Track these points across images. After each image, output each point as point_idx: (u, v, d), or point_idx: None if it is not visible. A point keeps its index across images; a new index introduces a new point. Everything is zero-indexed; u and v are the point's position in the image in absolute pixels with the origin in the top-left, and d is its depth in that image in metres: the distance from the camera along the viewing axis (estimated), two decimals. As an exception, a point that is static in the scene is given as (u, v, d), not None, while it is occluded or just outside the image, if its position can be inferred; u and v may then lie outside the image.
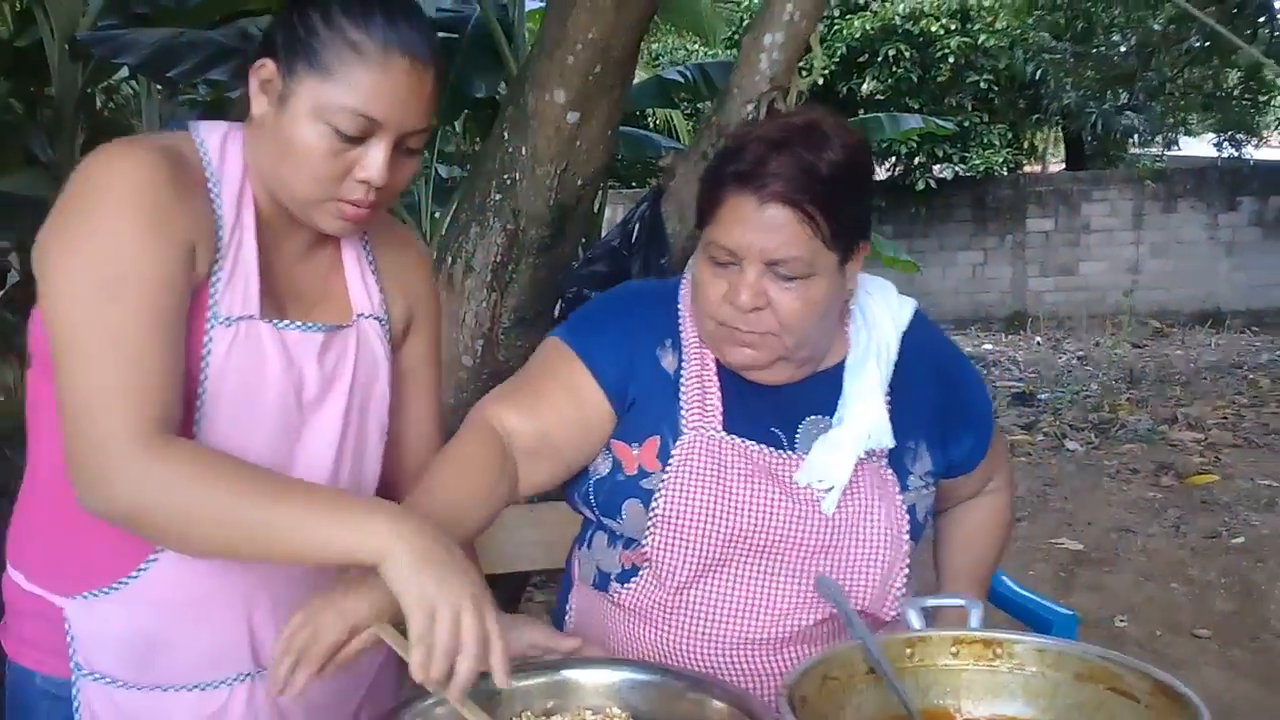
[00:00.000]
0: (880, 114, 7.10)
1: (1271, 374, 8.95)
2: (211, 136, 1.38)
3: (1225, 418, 7.38)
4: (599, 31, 2.68)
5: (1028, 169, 13.61)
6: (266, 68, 1.33)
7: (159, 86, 5.08)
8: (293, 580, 1.43)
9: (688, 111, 10.44)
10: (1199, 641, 4.13)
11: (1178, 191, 11.89)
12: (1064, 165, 14.41)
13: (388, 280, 1.54)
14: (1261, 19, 9.15)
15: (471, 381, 3.00)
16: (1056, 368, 9.58)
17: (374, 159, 1.31)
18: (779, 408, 1.60)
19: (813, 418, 1.60)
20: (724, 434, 1.57)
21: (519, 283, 2.93)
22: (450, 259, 2.98)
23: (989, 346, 10.77)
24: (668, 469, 1.55)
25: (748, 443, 1.57)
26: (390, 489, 1.57)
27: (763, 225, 1.46)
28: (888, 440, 1.58)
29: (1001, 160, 11.76)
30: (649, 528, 1.55)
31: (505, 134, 2.86)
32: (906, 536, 1.60)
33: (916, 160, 11.62)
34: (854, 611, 1.42)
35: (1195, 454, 6.55)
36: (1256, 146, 11.80)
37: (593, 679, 1.42)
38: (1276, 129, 12.67)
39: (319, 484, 1.37)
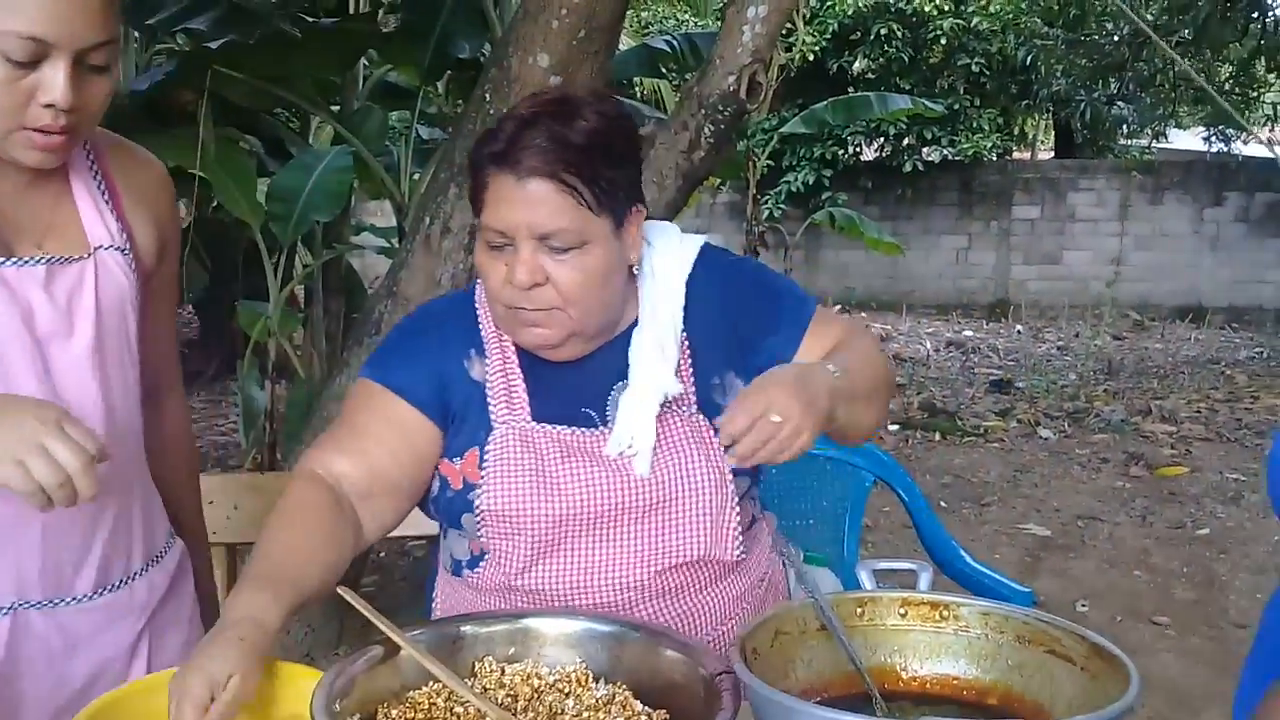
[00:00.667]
0: (869, 93, 7.10)
1: (1248, 370, 9.02)
2: None
3: (1199, 411, 7.44)
4: (584, -5, 2.68)
5: (1016, 155, 13.62)
6: None
7: (136, 34, 5.05)
8: (64, 513, 1.34)
9: (675, 83, 10.41)
10: (1158, 628, 4.19)
11: (1164, 184, 11.92)
12: (1053, 153, 14.43)
13: (132, 207, 1.51)
14: (1254, 14, 9.16)
15: (446, 342, 3.02)
16: (1035, 356, 9.62)
17: (54, 81, 1.26)
18: (585, 384, 1.61)
19: (619, 384, 1.61)
20: (533, 424, 1.58)
21: (496, 245, 2.94)
22: (428, 220, 2.99)
23: (969, 333, 10.80)
24: (484, 466, 1.57)
25: (558, 428, 1.58)
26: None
27: (525, 201, 1.47)
28: (674, 388, 1.58)
29: (990, 145, 11.76)
30: (479, 524, 1.57)
31: (487, 96, 2.87)
32: (730, 475, 1.60)
33: (905, 142, 11.62)
34: (807, 569, 1.46)
35: (1166, 446, 6.61)
36: (1245, 142, 11.78)
37: (553, 628, 1.45)
38: (1266, 125, 12.65)
39: None
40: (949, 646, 1.45)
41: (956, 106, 11.26)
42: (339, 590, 1.29)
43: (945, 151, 11.64)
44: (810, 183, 11.47)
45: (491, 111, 2.83)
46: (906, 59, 11.35)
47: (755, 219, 8.69)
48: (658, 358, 1.58)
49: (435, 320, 1.70)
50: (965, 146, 11.55)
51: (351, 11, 4.97)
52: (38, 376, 1.38)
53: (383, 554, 4.53)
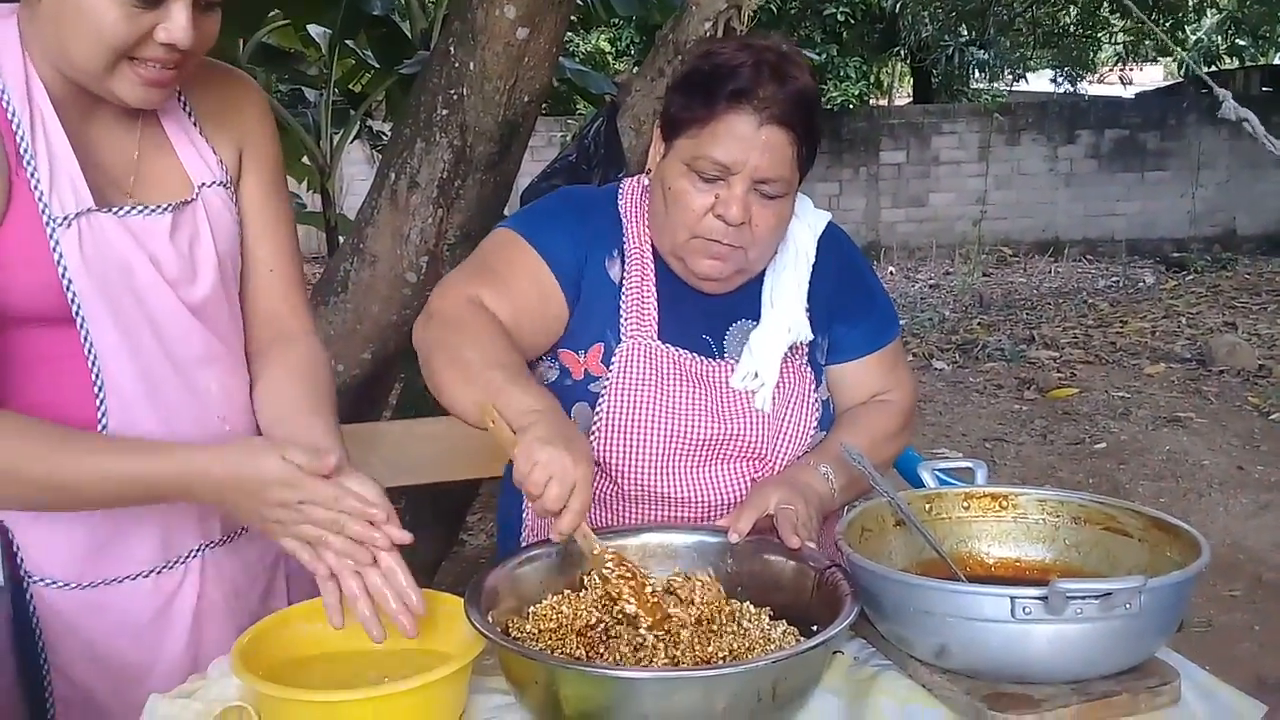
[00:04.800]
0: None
1: (1109, 298, 9.53)
2: None
3: (1076, 338, 7.86)
4: (550, -55, 2.71)
5: (874, 103, 13.98)
6: None
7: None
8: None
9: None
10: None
11: (1020, 125, 12.39)
12: (910, 99, 14.85)
13: (215, 129, 1.50)
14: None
15: (415, 298, 3.02)
16: (910, 295, 9.97)
17: (178, 19, 1.26)
18: (709, 315, 1.71)
19: (739, 323, 1.72)
20: (659, 342, 1.67)
21: (466, 199, 2.96)
22: (394, 175, 2.99)
23: (847, 275, 11.07)
24: (609, 373, 1.65)
25: (680, 351, 1.67)
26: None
27: (759, 144, 1.55)
28: (806, 333, 1.71)
29: (857, 93, 12.06)
30: (594, 430, 1.64)
31: (451, 49, 2.87)
32: (815, 426, 1.74)
33: (776, 92, 11.78)
34: (879, 474, 1.57)
35: (1053, 370, 6.98)
36: (1091, 83, 12.36)
37: (669, 540, 1.53)
38: (1111, 66, 13.26)
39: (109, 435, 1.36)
40: (1010, 532, 1.60)
41: (823, 55, 11.50)
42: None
43: (815, 101, 11.83)
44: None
45: (457, 65, 2.85)
46: (774, 10, 11.52)
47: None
48: (796, 301, 1.69)
49: (590, 209, 1.74)
50: (835, 95, 11.81)
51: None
52: (179, 321, 1.41)
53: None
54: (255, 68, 4.91)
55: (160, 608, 1.47)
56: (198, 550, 1.49)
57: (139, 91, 1.30)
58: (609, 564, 1.37)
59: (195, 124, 1.48)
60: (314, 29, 5.00)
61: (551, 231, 1.68)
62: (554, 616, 1.36)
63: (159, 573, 1.46)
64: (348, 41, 4.76)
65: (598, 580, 1.38)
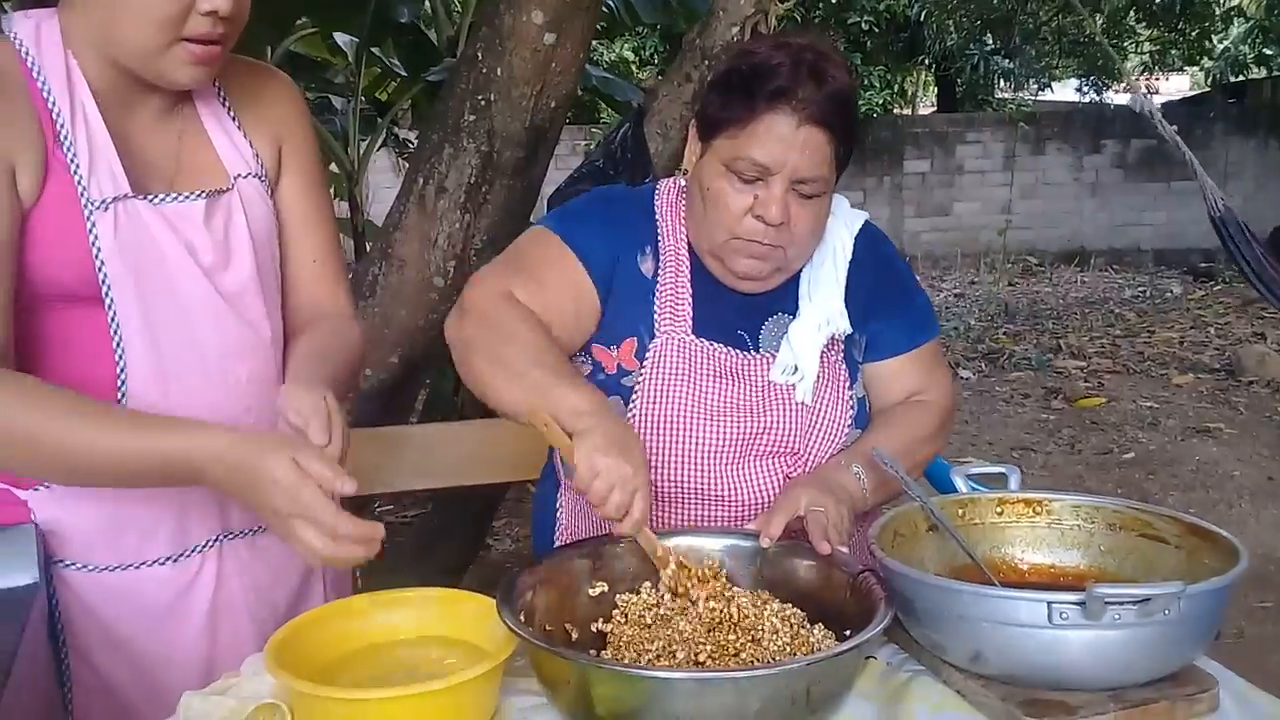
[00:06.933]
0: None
1: (1136, 308, 9.47)
2: (23, 26, 1.35)
3: (1103, 347, 7.81)
4: (577, -49, 2.72)
5: (898, 112, 13.96)
6: None
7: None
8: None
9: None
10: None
11: (1045, 134, 12.34)
12: (935, 108, 14.81)
13: (251, 123, 1.52)
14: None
15: (443, 302, 3.03)
16: (935, 304, 9.80)
17: None
18: (744, 311, 1.70)
19: (774, 317, 1.71)
20: (693, 337, 1.66)
21: (492, 204, 2.97)
22: (422, 181, 3.00)
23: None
24: (644, 368, 1.64)
25: (715, 345, 1.66)
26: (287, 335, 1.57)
27: (799, 144, 1.54)
28: (845, 325, 1.69)
29: (880, 102, 12.04)
30: (629, 418, 1.64)
31: (479, 55, 2.88)
32: (850, 424, 1.72)
33: (800, 101, 11.76)
34: (911, 479, 1.56)
35: (1080, 380, 6.93)
36: (1117, 92, 12.30)
37: (700, 544, 1.51)
38: (1138, 75, 13.19)
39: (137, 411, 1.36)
40: (1044, 538, 1.58)
41: (849, 65, 11.46)
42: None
43: (839, 109, 11.81)
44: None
45: (484, 71, 2.86)
46: (798, 19, 11.50)
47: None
48: (834, 295, 1.68)
49: (623, 206, 1.74)
50: (860, 104, 11.76)
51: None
52: (212, 308, 1.42)
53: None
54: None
55: (177, 596, 1.47)
56: (215, 540, 1.50)
57: (188, 70, 1.34)
58: (670, 566, 1.41)
59: (233, 117, 1.51)
60: (341, 37, 5.03)
61: (584, 227, 1.68)
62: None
63: (175, 560, 1.46)
64: (374, 49, 4.79)
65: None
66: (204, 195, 1.43)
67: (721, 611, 1.36)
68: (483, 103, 2.89)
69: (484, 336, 1.52)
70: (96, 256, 1.32)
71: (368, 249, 3.65)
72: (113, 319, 1.35)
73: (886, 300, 1.77)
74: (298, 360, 1.47)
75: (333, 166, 4.78)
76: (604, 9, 5.09)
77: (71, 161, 1.32)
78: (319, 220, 1.60)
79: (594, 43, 9.21)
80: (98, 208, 1.32)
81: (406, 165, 3.87)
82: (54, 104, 1.32)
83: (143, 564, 1.44)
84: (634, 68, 12.63)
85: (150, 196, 1.38)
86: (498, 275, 1.63)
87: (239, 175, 1.48)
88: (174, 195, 1.40)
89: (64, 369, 1.36)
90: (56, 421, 1.24)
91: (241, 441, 1.25)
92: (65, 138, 1.32)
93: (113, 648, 1.44)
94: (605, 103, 5.80)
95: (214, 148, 1.48)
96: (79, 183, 1.32)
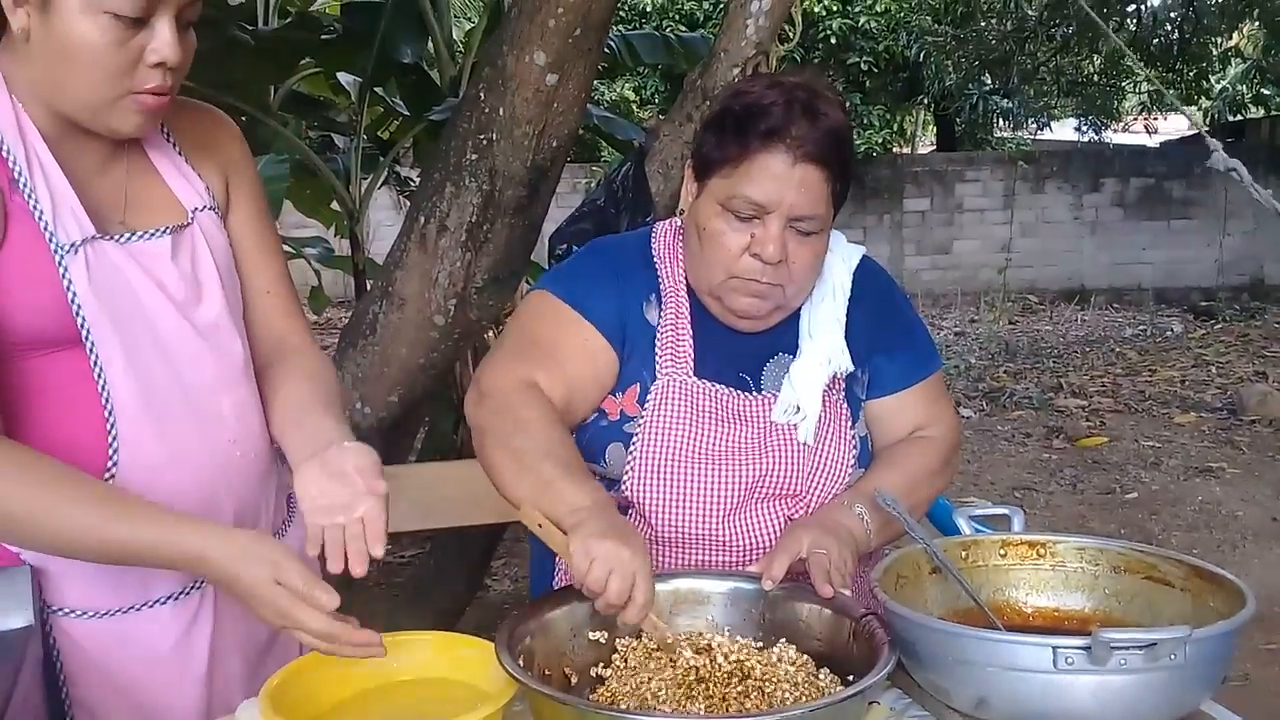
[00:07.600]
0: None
1: (1137, 347, 9.47)
2: None
3: (1104, 386, 7.80)
4: (582, -6, 2.73)
5: (896, 150, 14.03)
6: None
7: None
8: (249, 482, 1.48)
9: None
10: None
11: (1045, 173, 12.39)
12: (934, 148, 14.88)
13: (198, 159, 1.53)
14: (1130, 7, 9.62)
15: (443, 340, 3.03)
16: (935, 343, 9.88)
17: (163, 37, 1.29)
18: (745, 351, 1.69)
19: (776, 357, 1.70)
20: (695, 378, 1.65)
21: (494, 243, 2.97)
22: (423, 219, 3.00)
23: (871, 322, 11.05)
24: (644, 411, 1.63)
25: (716, 386, 1.65)
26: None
27: (794, 182, 1.55)
28: (847, 363, 1.68)
29: (880, 141, 12.10)
30: (628, 468, 1.63)
31: (481, 94, 2.89)
32: (854, 463, 1.71)
33: (799, 141, 11.82)
34: (914, 521, 1.55)
35: (1081, 419, 6.92)
36: (1116, 132, 12.36)
37: (703, 588, 1.50)
38: (1136, 115, 13.27)
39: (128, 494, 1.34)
40: (1048, 581, 1.57)
41: (848, 105, 11.52)
42: None
43: (839, 149, 11.86)
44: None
45: (486, 110, 2.87)
46: (798, 59, 11.59)
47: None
48: (835, 332, 1.67)
49: (623, 257, 1.74)
50: (858, 143, 11.84)
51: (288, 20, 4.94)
52: (189, 344, 1.42)
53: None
54: (286, 115, 4.98)
55: (179, 637, 1.46)
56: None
57: (135, 120, 1.34)
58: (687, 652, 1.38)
59: (180, 154, 1.51)
60: (344, 77, 5.06)
61: (589, 288, 1.68)
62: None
63: (176, 599, 1.45)
64: (377, 89, 4.81)
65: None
66: (168, 231, 1.43)
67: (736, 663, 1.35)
68: (485, 142, 2.90)
69: (499, 425, 1.53)
70: (73, 301, 1.31)
71: (368, 287, 3.65)
72: (95, 362, 1.34)
73: (888, 335, 1.77)
74: (315, 413, 1.46)
75: (334, 204, 4.79)
76: (606, 49, 5.14)
77: (35, 207, 1.31)
78: (270, 251, 1.61)
79: (595, 82, 9.25)
80: (68, 251, 1.31)
81: (408, 203, 3.88)
82: (7, 150, 1.31)
83: (144, 605, 1.43)
84: (635, 107, 12.69)
85: (115, 236, 1.38)
86: (514, 359, 1.62)
87: (195, 209, 1.48)
88: (140, 233, 1.41)
89: (50, 418, 1.35)
90: (54, 512, 1.24)
91: (227, 544, 1.25)
92: (23, 183, 1.31)
93: (114, 692, 1.42)
94: (606, 141, 5.82)
95: (165, 184, 1.48)
96: (45, 227, 1.31)
